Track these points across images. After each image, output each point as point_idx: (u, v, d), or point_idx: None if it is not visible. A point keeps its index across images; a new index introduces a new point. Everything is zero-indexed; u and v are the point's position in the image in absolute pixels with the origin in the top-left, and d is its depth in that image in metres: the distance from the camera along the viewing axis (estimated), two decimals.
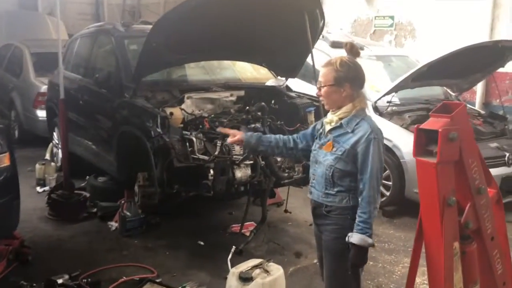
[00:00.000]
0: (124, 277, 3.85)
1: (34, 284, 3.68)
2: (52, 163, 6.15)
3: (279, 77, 5.33)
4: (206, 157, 4.05)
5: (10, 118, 8.29)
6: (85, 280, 3.73)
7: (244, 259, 4.09)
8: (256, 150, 2.92)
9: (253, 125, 4.34)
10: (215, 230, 4.87)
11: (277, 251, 4.48)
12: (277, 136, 2.90)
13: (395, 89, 5.69)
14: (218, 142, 4.11)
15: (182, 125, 4.27)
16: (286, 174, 4.44)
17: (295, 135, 2.88)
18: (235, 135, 2.89)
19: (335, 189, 2.58)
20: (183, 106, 4.47)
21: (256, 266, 3.17)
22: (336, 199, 2.59)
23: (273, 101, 4.96)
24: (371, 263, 4.20)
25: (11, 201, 3.20)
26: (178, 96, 4.54)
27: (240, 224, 4.62)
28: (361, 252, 2.50)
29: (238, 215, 5.11)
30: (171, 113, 4.21)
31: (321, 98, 2.66)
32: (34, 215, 5.09)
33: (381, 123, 4.61)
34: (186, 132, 4.17)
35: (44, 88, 7.19)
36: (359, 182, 2.52)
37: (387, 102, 5.81)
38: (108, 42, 5.31)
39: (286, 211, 5.19)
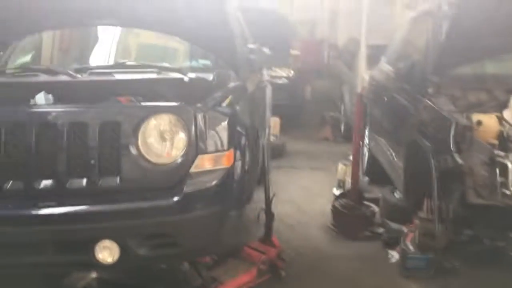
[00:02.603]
0: None
1: None
2: None
3: None
4: None
5: (340, 111, 8.17)
6: None
7: None
8: None
9: None
10: None
11: None
12: None
13: None
14: None
15: (496, 142, 2.86)
16: None
17: None
18: None
19: None
20: (505, 113, 3.01)
21: None
22: None
23: None
24: None
25: (222, 213, 2.50)
26: (500, 97, 3.10)
27: None
28: None
29: None
30: (479, 122, 2.87)
31: None
32: (316, 221, 4.56)
33: None
34: (500, 153, 2.76)
35: None
36: None
37: None
38: (425, 25, 4.20)
39: None
